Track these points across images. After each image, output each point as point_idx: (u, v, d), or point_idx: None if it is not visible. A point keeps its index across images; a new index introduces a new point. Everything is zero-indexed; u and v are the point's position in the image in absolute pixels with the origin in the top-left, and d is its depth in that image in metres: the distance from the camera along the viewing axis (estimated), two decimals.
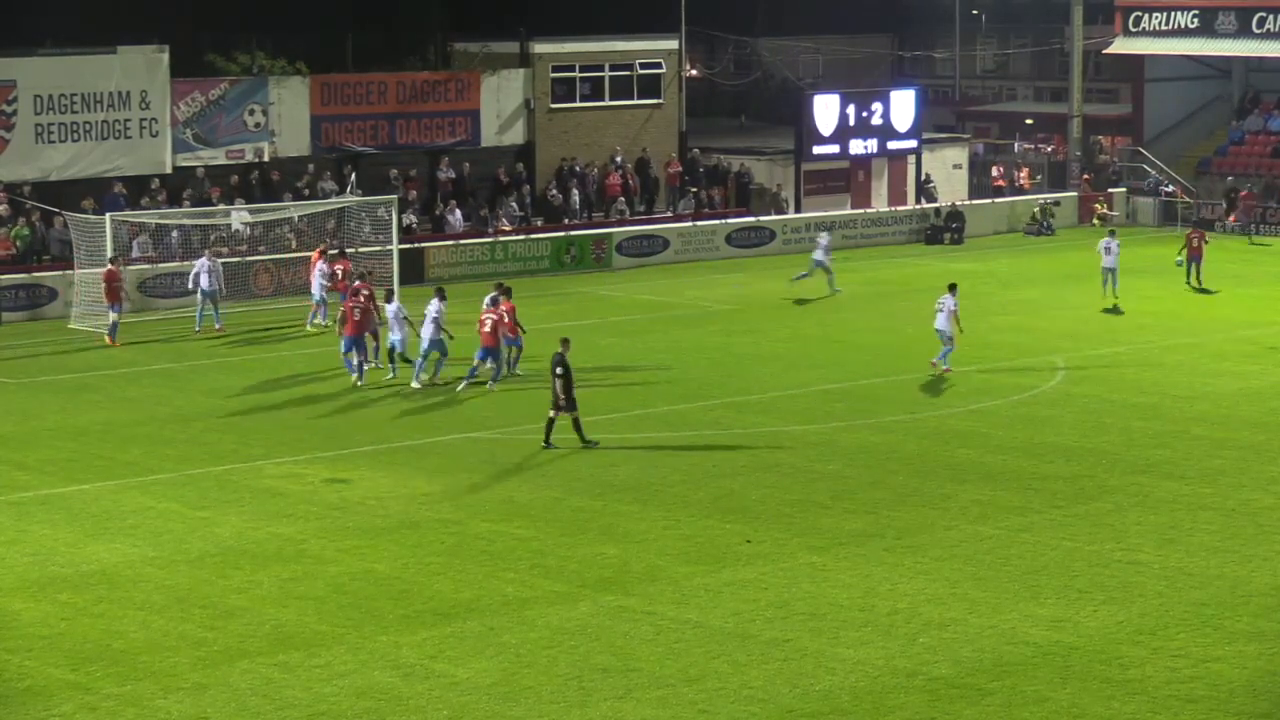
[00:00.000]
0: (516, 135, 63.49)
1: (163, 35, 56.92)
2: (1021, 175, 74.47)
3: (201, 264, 47.31)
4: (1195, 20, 73.01)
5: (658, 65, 66.51)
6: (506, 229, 59.47)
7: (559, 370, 34.10)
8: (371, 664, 23.15)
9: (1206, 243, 56.19)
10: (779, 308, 51.63)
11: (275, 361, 43.52)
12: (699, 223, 62.82)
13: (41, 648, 23.74)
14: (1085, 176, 73.06)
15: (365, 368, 40.56)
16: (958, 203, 68.38)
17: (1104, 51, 77.27)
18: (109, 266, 46.34)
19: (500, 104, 62.94)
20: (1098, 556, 27.67)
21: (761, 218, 64.22)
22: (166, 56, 56.00)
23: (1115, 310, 50.66)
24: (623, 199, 63.37)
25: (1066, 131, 76.09)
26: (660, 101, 66.59)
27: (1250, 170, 71.28)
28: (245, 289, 51.59)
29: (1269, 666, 23.09)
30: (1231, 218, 67.61)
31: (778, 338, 46.82)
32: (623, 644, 23.84)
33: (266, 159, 58.04)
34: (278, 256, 53.36)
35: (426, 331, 39.83)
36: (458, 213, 59.59)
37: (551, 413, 34.43)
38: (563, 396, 34.12)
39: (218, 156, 57.19)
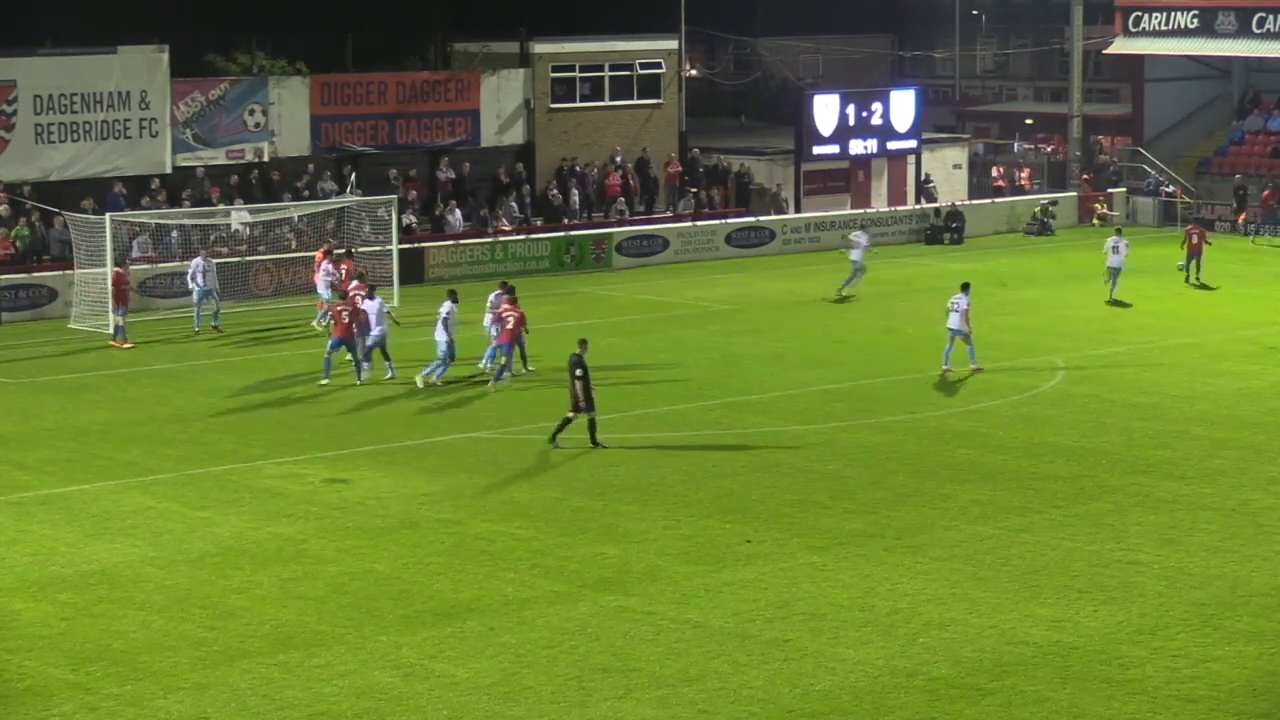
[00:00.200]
0: (516, 135, 63.47)
1: (163, 35, 56.87)
2: (1022, 175, 74.46)
3: (197, 264, 47.30)
4: (1195, 20, 72.96)
5: (657, 65, 66.48)
6: (506, 229, 59.43)
7: (578, 372, 33.93)
8: (371, 664, 23.14)
9: (1209, 243, 56.17)
10: (779, 308, 51.63)
11: (275, 361, 43.51)
12: (699, 223, 62.78)
13: (41, 648, 23.74)
14: (1085, 176, 73.00)
15: (365, 368, 40.62)
16: (958, 203, 68.36)
17: (1104, 51, 77.23)
18: (117, 269, 46.30)
19: (500, 104, 62.92)
20: (1098, 556, 27.67)
21: (761, 218, 64.18)
22: (166, 56, 55.96)
23: (1119, 304, 50.65)
24: (622, 199, 63.32)
25: (1066, 131, 76.07)
26: (660, 101, 66.56)
27: (1250, 170, 71.20)
28: (245, 289, 51.56)
29: (1269, 666, 23.09)
30: (1242, 216, 67.17)
31: (778, 338, 46.81)
32: (623, 644, 23.84)
33: (266, 159, 58.01)
34: (278, 256, 53.32)
35: (439, 335, 39.91)
36: (458, 213, 59.55)
37: (570, 413, 34.36)
38: (583, 398, 34.04)
39: (218, 156, 57.15)
